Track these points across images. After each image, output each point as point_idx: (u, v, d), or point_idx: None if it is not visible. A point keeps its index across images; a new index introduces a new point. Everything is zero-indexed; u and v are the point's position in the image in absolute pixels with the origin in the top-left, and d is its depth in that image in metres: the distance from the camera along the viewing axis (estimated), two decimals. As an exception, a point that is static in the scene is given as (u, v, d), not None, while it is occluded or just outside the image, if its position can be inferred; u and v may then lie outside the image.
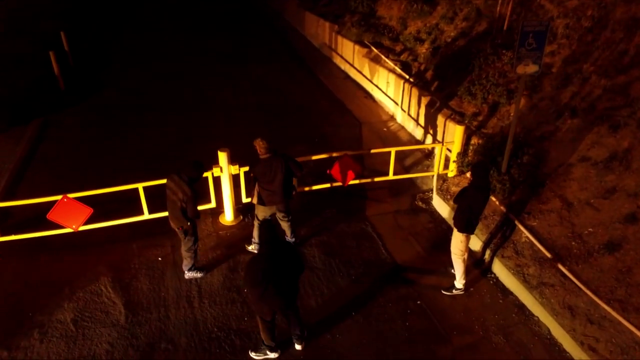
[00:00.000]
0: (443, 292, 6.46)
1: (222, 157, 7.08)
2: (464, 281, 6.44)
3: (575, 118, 7.70)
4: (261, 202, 6.56)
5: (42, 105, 11.25)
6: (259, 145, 6.26)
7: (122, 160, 9.19)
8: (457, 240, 6.24)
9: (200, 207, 7.48)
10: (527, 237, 6.84)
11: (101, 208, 7.12)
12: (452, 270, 6.61)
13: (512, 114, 7.57)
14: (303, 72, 13.56)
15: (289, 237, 7.12)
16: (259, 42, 15.84)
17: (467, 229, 6.09)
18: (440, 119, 9.20)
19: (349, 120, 10.91)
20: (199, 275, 6.58)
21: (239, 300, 6.29)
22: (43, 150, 9.66)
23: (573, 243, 6.55)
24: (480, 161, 7.56)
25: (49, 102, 11.43)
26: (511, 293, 6.53)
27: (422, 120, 9.89)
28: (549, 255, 6.47)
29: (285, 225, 7.01)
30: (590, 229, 6.41)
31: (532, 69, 6.70)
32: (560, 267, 6.29)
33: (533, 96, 8.51)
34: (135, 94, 12.06)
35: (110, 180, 7.26)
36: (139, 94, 12.09)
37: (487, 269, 6.94)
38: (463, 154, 8.19)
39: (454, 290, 6.46)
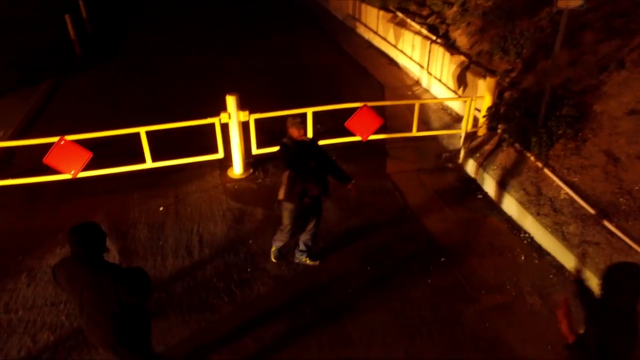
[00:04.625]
0: None
1: (231, 101, 6.54)
2: None
3: (622, 70, 6.90)
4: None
5: (56, 68, 10.97)
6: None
7: (133, 116, 8.75)
8: None
9: (206, 158, 7.03)
10: (566, 193, 6.08)
11: (103, 158, 6.71)
12: None
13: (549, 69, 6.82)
14: (325, 42, 13.06)
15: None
16: (281, 15, 15.41)
17: None
18: (469, 78, 8.48)
19: (371, 84, 10.28)
20: None
21: (243, 251, 5.73)
22: (53, 107, 9.37)
23: (621, 199, 5.76)
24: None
25: (63, 65, 11.16)
26: (548, 253, 5.79)
27: (449, 82, 9.17)
28: (592, 211, 5.71)
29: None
30: (641, 184, 5.63)
31: (575, 2, 5.94)
32: (607, 223, 5.52)
33: (573, 50, 7.71)
34: (152, 60, 11.76)
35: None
36: (155, 59, 11.78)
37: (521, 227, 6.21)
38: (494, 109, 7.44)
39: None
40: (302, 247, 5.47)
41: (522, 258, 5.75)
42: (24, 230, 6.10)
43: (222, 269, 5.49)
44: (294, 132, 4.83)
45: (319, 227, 5.41)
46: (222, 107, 6.68)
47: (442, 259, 5.68)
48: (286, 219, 5.20)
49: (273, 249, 5.59)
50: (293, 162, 4.85)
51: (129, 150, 6.94)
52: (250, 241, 5.90)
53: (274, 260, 5.59)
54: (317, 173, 4.94)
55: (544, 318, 4.95)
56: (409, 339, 4.69)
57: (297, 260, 5.57)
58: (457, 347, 4.62)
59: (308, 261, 5.53)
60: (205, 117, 6.65)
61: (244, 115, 6.67)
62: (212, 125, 6.71)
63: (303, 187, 4.88)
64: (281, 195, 5.04)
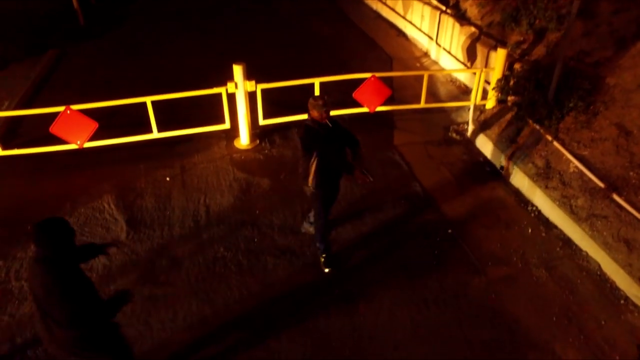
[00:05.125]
0: None
1: (237, 71, 6.46)
2: None
3: (638, 42, 6.73)
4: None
5: (59, 38, 10.83)
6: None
7: (138, 86, 8.67)
8: None
9: (213, 128, 6.98)
10: (576, 166, 6.02)
11: (108, 129, 6.70)
12: None
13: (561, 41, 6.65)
14: (332, 13, 12.79)
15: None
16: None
17: None
18: (479, 49, 8.31)
19: (379, 55, 10.11)
20: None
21: (250, 221, 5.74)
22: (57, 77, 9.28)
23: (631, 173, 5.70)
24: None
25: (66, 35, 11.00)
26: (555, 226, 5.77)
27: (459, 54, 9.00)
28: (602, 185, 5.66)
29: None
30: (653, 157, 5.56)
31: (593, -30, 5.75)
32: (616, 197, 5.48)
33: (588, 21, 7.51)
34: (157, 29, 11.55)
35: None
36: (161, 29, 11.58)
37: (528, 200, 6.18)
38: (504, 81, 7.31)
39: None
40: (311, 218, 5.36)
41: (529, 231, 5.74)
42: (32, 200, 6.12)
43: (229, 239, 5.51)
44: (315, 114, 4.45)
45: (334, 202, 5.15)
46: (229, 77, 6.60)
47: (449, 231, 5.67)
48: (318, 207, 4.90)
49: (323, 256, 5.10)
50: (321, 147, 4.48)
51: (135, 120, 6.90)
52: (257, 211, 5.90)
53: (326, 270, 5.08)
54: (342, 155, 4.69)
55: (550, 290, 4.96)
56: (415, 309, 4.73)
57: (303, 230, 5.55)
58: (462, 317, 4.65)
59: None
60: (212, 87, 6.58)
61: (250, 85, 6.59)
62: (219, 95, 6.65)
63: (332, 172, 4.62)
64: (310, 182, 4.65)
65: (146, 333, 4.47)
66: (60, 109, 6.18)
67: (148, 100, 6.41)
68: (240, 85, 6.53)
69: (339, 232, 5.64)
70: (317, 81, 6.84)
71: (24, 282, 4.96)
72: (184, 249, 5.38)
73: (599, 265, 5.22)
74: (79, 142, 6.44)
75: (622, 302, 4.81)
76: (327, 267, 5.11)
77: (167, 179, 6.45)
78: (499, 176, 6.66)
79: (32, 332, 4.45)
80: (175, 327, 4.52)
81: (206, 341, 4.41)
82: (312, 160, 4.51)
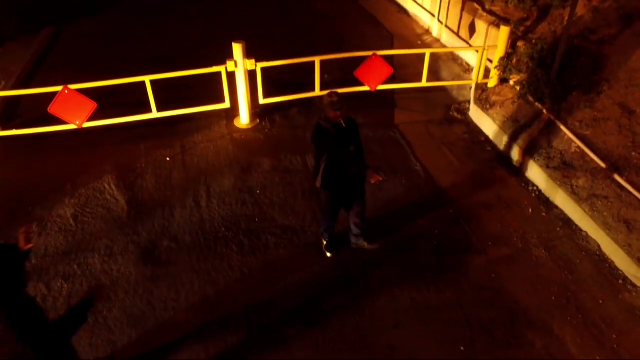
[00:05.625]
0: None
1: (237, 49, 6.37)
2: None
3: (644, 19, 6.63)
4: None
5: (56, 15, 10.63)
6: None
7: (136, 65, 8.58)
8: None
9: (213, 108, 6.93)
10: (577, 146, 5.99)
11: (107, 109, 6.65)
12: None
13: (566, 18, 6.53)
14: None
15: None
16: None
17: None
18: (482, 27, 8.18)
19: (380, 33, 9.96)
20: None
21: (250, 201, 5.74)
22: (54, 56, 9.17)
23: (633, 153, 5.69)
24: None
25: (62, 12, 10.80)
26: (556, 206, 5.77)
27: (461, 31, 8.87)
28: (603, 165, 5.65)
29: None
30: (656, 136, 5.53)
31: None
32: (617, 177, 5.47)
33: (593, -2, 7.39)
34: (156, 5, 11.31)
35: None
36: (160, 5, 11.34)
37: (529, 180, 6.17)
38: (507, 59, 7.22)
39: None
40: (354, 230, 5.03)
41: (530, 211, 5.75)
42: (32, 181, 6.11)
43: (230, 219, 5.52)
44: (329, 113, 4.21)
45: (365, 206, 4.90)
46: (229, 56, 6.52)
47: (450, 211, 5.68)
48: (326, 206, 4.79)
49: (324, 242, 5.08)
50: (331, 148, 4.28)
51: (134, 100, 6.85)
52: (258, 191, 5.90)
53: (328, 255, 5.05)
54: (356, 156, 4.41)
55: (549, 270, 5.00)
56: (415, 288, 4.76)
57: (354, 246, 5.15)
58: (462, 296, 4.69)
59: (366, 245, 5.09)
60: (211, 66, 6.50)
61: (250, 64, 6.51)
62: (219, 74, 6.57)
63: (342, 173, 4.39)
64: (318, 182, 4.54)
65: (149, 313, 4.51)
66: (58, 88, 6.12)
67: (147, 79, 6.35)
68: (240, 64, 6.46)
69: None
70: (317, 59, 6.76)
71: (26, 263, 4.98)
72: (185, 229, 5.40)
73: (599, 246, 5.25)
74: (78, 122, 6.40)
75: (620, 282, 4.85)
76: (329, 252, 5.07)
77: (168, 159, 6.43)
78: (501, 156, 6.63)
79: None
80: (177, 307, 4.57)
81: (208, 320, 4.46)
82: (322, 160, 4.40)
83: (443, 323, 4.46)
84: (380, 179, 4.18)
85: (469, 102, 7.52)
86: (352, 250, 5.16)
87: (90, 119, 6.44)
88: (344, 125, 4.29)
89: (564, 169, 5.91)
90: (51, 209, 5.68)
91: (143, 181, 6.08)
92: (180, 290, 4.72)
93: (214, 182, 6.04)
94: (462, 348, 4.24)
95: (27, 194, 5.90)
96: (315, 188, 4.70)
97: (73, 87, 6.17)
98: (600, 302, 4.66)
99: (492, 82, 7.43)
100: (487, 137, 6.95)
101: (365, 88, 7.09)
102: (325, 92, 7.17)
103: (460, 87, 7.96)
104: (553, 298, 4.71)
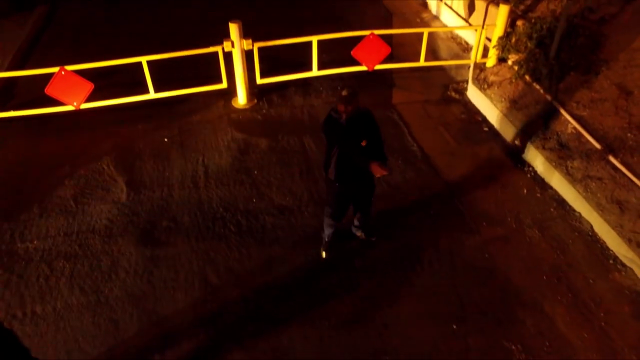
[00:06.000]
0: None
1: (234, 29, 6.33)
2: None
3: (645, -3, 6.57)
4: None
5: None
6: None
7: (133, 45, 8.51)
8: None
9: (210, 88, 6.93)
10: (574, 127, 6.01)
11: (104, 90, 6.66)
12: None
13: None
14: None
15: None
16: None
17: None
18: (481, 5, 8.09)
19: (378, 10, 9.84)
20: None
21: (248, 182, 5.80)
22: (49, 35, 9.09)
23: (629, 134, 5.71)
24: None
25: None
26: (551, 187, 5.83)
27: (460, 9, 8.77)
28: (598, 146, 5.68)
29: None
30: (651, 118, 5.55)
31: None
32: (612, 159, 5.51)
33: (594, -25, 7.28)
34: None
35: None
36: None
37: (525, 161, 6.21)
38: (506, 38, 7.17)
39: None
40: (356, 222, 5.06)
41: (525, 191, 5.81)
42: (31, 162, 6.16)
43: (228, 200, 5.59)
44: (340, 107, 4.10)
45: (371, 202, 4.87)
46: (226, 36, 6.48)
47: (445, 191, 5.74)
48: (334, 199, 4.66)
49: (324, 239, 4.95)
50: (342, 141, 4.20)
51: (131, 80, 6.85)
52: (256, 172, 5.95)
53: (323, 255, 4.97)
54: (369, 151, 4.28)
55: (542, 250, 5.08)
56: (409, 267, 4.86)
57: (358, 233, 5.16)
58: (455, 276, 4.79)
59: (364, 237, 5.13)
60: (208, 46, 6.47)
61: (247, 44, 6.47)
62: (216, 54, 6.54)
63: (353, 167, 4.29)
64: (331, 174, 4.44)
65: (149, 292, 4.62)
66: (55, 69, 6.11)
67: (143, 60, 6.32)
68: (236, 44, 6.42)
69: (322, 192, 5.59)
70: (314, 39, 6.72)
71: (29, 244, 5.08)
72: (184, 210, 5.47)
73: (591, 226, 5.32)
74: (75, 104, 6.41)
75: (610, 261, 4.94)
76: (324, 252, 4.99)
77: (165, 139, 6.46)
78: (497, 136, 6.66)
79: (39, 291, 4.61)
80: (177, 286, 4.67)
81: (207, 299, 4.57)
82: (333, 152, 4.32)
83: (436, 302, 4.57)
84: (385, 173, 4.14)
85: (466, 81, 7.51)
86: (348, 230, 5.23)
87: (88, 100, 6.44)
88: (343, 123, 4.15)
89: (559, 150, 5.95)
90: (51, 190, 5.74)
91: (141, 162, 6.12)
92: (180, 270, 4.82)
93: (211, 162, 6.09)
94: (454, 326, 4.36)
95: (26, 175, 5.95)
96: (326, 179, 4.57)
97: (69, 67, 6.15)
98: (591, 281, 4.76)
99: (491, 62, 7.40)
100: (484, 117, 6.96)
101: (363, 68, 7.06)
102: (323, 72, 7.23)
103: (458, 67, 7.93)
104: (545, 277, 4.80)
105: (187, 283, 4.71)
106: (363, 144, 4.22)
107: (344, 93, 4.08)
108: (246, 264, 4.90)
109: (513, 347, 4.20)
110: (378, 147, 4.43)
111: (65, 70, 6.14)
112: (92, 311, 4.45)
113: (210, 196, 5.62)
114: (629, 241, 4.91)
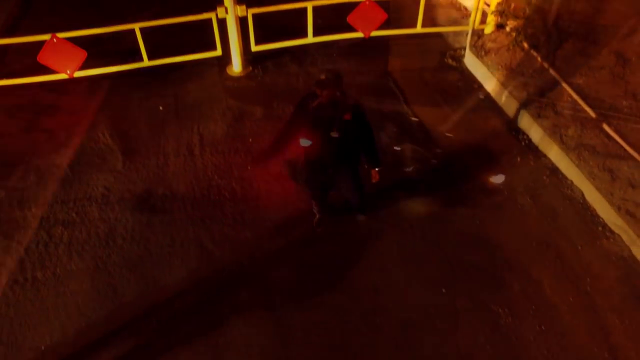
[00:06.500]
0: None
1: (227, -5, 6.23)
2: None
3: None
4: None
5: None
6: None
7: (125, 11, 8.39)
8: None
9: (205, 55, 6.87)
10: (569, 95, 6.00)
11: (97, 57, 6.60)
12: None
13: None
14: None
15: None
16: None
17: None
18: (481, -32, 7.91)
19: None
20: None
21: (243, 149, 5.83)
22: (39, 1, 8.92)
23: (624, 102, 5.72)
24: None
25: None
26: (544, 155, 5.85)
27: (460, -27, 8.59)
28: (593, 114, 5.68)
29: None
30: (647, 86, 5.53)
31: None
32: (605, 127, 5.53)
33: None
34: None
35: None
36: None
37: (520, 129, 6.22)
38: (505, 4, 7.04)
39: None
40: (347, 204, 5.03)
41: (518, 159, 5.83)
42: (27, 131, 6.17)
43: (223, 167, 5.63)
44: (317, 91, 3.84)
45: (355, 189, 4.63)
46: (220, 2, 6.39)
47: (439, 158, 5.77)
48: (306, 186, 4.75)
49: (315, 214, 4.98)
50: (304, 127, 4.02)
51: (124, 48, 6.79)
52: (250, 140, 5.97)
53: (317, 230, 4.99)
54: (340, 146, 4.06)
55: (533, 217, 5.15)
56: (400, 232, 4.95)
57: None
58: (446, 241, 4.87)
59: (358, 216, 5.13)
60: (203, 12, 6.39)
61: (241, 10, 6.38)
62: (210, 21, 6.46)
63: (318, 159, 4.18)
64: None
65: (146, 258, 4.73)
66: (47, 37, 6.05)
67: (137, 27, 6.26)
68: (230, 10, 6.34)
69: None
70: (309, 5, 6.62)
71: (27, 211, 5.16)
72: (179, 177, 5.52)
73: (582, 194, 5.37)
74: (69, 72, 6.37)
75: (600, 228, 5.01)
76: (318, 228, 5.00)
77: (160, 107, 6.45)
78: (493, 104, 6.63)
79: (39, 257, 4.72)
80: (173, 252, 4.77)
81: (202, 265, 4.68)
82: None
83: (426, 266, 4.67)
84: (375, 180, 4.18)
85: (464, 48, 7.42)
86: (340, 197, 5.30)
87: (81, 68, 6.40)
88: (340, 104, 3.91)
89: (554, 118, 5.94)
90: (47, 157, 5.79)
91: (137, 130, 6.14)
92: (176, 237, 4.91)
93: (206, 130, 6.11)
94: (443, 290, 4.47)
95: (22, 143, 5.98)
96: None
97: (61, 35, 6.09)
98: (579, 247, 4.85)
99: (489, 29, 7.30)
100: (480, 85, 6.91)
101: (359, 34, 6.98)
102: (318, 39, 7.12)
103: (456, 34, 7.81)
104: (534, 244, 4.89)
105: (183, 249, 4.81)
106: (334, 135, 3.96)
107: (322, 77, 3.83)
108: (240, 230, 4.98)
109: (500, 310, 4.32)
110: (370, 147, 4.25)
111: (57, 38, 6.08)
112: (90, 276, 4.57)
113: (205, 164, 5.67)
114: (618, 209, 4.98)
